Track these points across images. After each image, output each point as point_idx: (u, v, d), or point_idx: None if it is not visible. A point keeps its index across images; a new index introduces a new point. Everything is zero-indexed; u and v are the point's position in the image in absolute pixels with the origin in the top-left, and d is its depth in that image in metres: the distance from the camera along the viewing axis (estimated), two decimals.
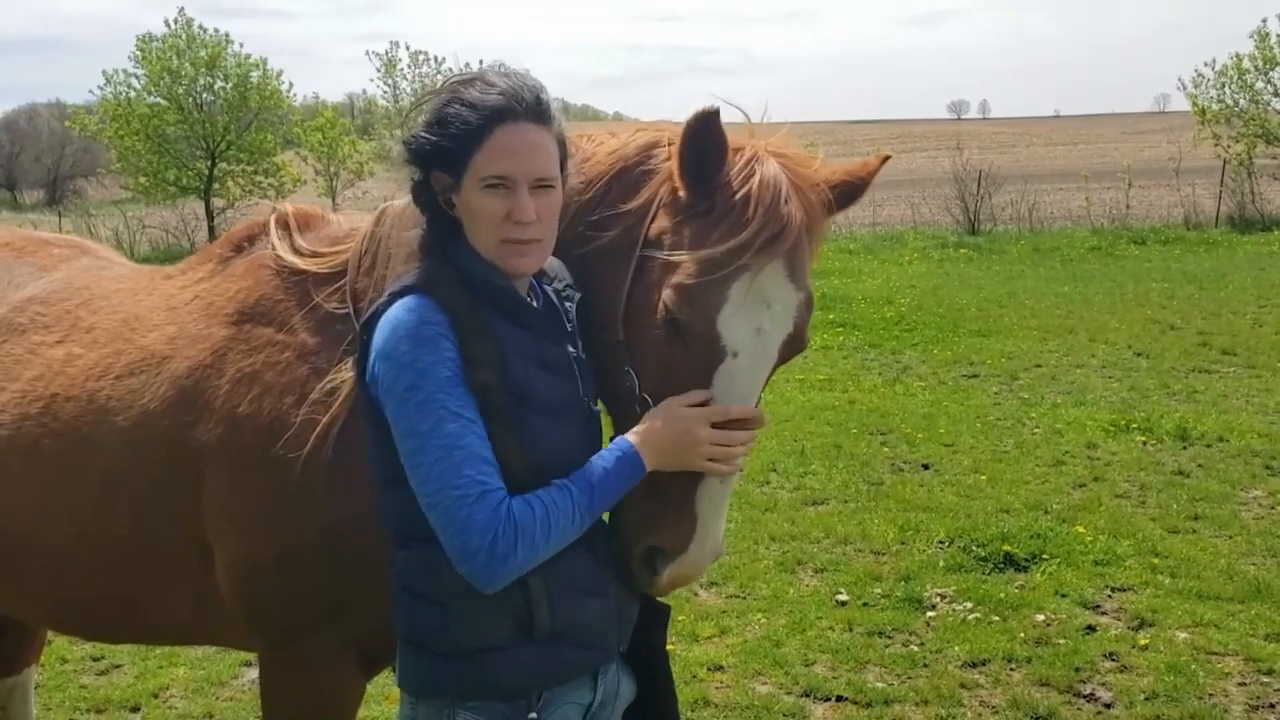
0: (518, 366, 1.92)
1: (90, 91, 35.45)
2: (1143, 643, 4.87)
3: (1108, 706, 4.40)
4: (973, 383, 10.22)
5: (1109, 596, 5.41)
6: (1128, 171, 26.01)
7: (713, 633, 5.11)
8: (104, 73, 29.86)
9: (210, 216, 28.83)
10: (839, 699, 4.49)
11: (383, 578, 2.07)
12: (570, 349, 2.06)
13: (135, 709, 4.64)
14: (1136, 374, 10.26)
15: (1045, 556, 5.80)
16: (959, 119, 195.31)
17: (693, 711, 4.40)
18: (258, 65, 29.92)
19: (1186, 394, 9.43)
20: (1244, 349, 11.06)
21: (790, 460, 7.72)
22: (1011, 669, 4.72)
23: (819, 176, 2.07)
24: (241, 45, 30.95)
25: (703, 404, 1.97)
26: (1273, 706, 4.37)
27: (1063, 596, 5.38)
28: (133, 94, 29.58)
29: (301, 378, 2.33)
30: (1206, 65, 26.64)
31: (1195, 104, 26.64)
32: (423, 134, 1.96)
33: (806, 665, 4.78)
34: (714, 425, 1.96)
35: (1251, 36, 26.09)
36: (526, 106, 1.93)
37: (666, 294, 1.96)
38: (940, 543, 6.12)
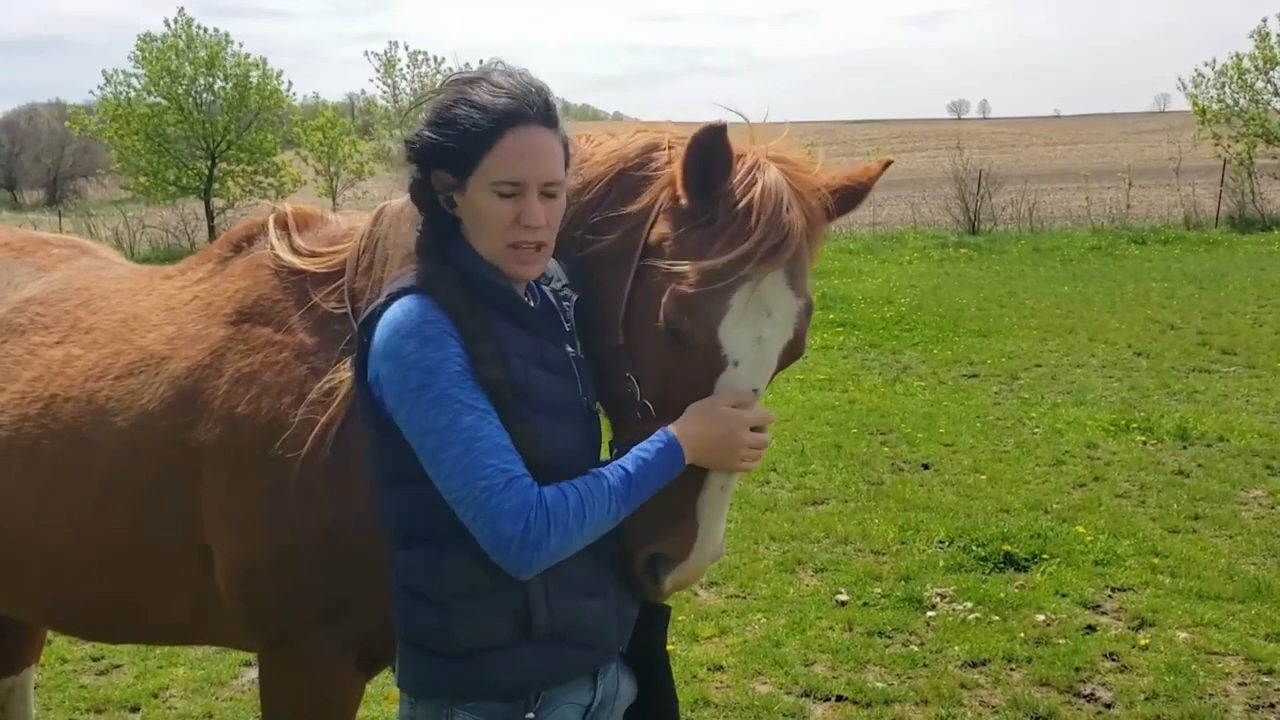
0: (518, 366, 1.92)
1: (90, 91, 35.56)
2: (1143, 643, 4.87)
3: (1108, 706, 4.40)
4: (973, 382, 10.22)
5: (1109, 596, 5.41)
6: (1128, 171, 26.01)
7: (713, 633, 5.11)
8: (104, 73, 29.92)
9: (210, 216, 28.84)
10: (839, 699, 4.49)
11: (381, 578, 2.07)
12: (569, 349, 2.05)
13: (135, 709, 4.64)
14: (1136, 374, 10.26)
15: (1045, 556, 5.80)
16: (959, 119, 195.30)
17: (693, 711, 4.40)
18: (257, 65, 29.95)
19: (1186, 394, 9.43)
20: (1244, 349, 11.06)
21: (790, 460, 7.71)
22: (1011, 669, 4.71)
23: (820, 182, 2.07)
24: (241, 45, 31.01)
25: (736, 406, 1.98)
26: (1273, 706, 4.37)
27: (1063, 596, 5.37)
28: (133, 94, 29.59)
29: (300, 378, 2.33)
30: (1206, 65, 26.71)
31: (1195, 104, 26.64)
32: (427, 133, 1.94)
33: (806, 665, 4.78)
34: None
35: (1251, 36, 26.13)
36: (537, 110, 1.92)
37: (667, 304, 1.95)
38: (940, 542, 6.12)
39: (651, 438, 1.94)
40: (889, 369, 10.96)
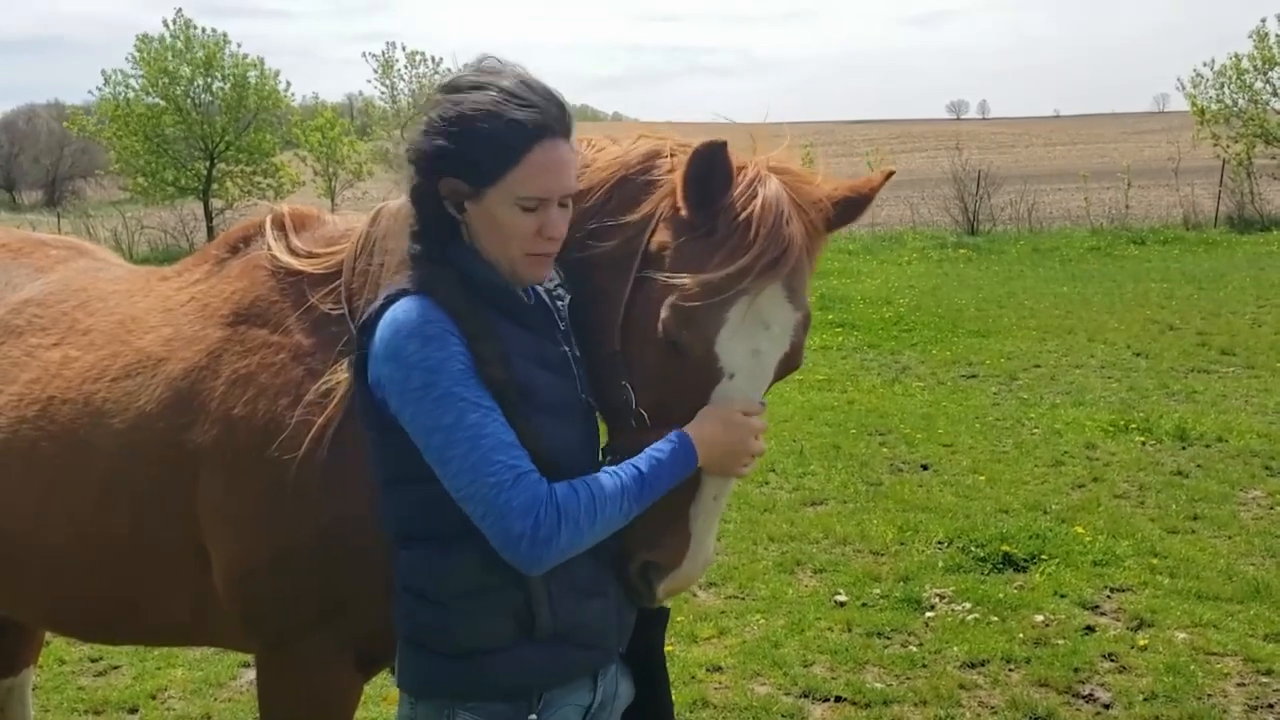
0: (520, 366, 1.92)
1: (89, 92, 35.54)
2: (1142, 643, 4.87)
3: (1107, 707, 4.40)
4: (972, 383, 10.22)
5: (1108, 597, 5.41)
6: (1127, 171, 26.00)
7: (711, 633, 5.11)
8: (103, 73, 29.91)
9: (209, 217, 28.82)
10: (838, 699, 4.49)
11: (379, 579, 2.07)
12: (565, 348, 2.05)
13: (133, 710, 4.64)
14: (1135, 374, 10.26)
15: (1044, 557, 5.80)
16: (958, 119, 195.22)
17: (691, 712, 4.40)
18: (255, 65, 29.92)
19: (1186, 394, 9.43)
20: (1243, 349, 11.06)
21: (789, 461, 7.71)
22: (1010, 669, 4.71)
23: (821, 193, 2.06)
24: (239, 45, 31.00)
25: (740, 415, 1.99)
26: (1272, 707, 4.37)
27: (1062, 597, 5.37)
28: (131, 94, 29.58)
29: (296, 379, 2.32)
30: (1206, 65, 26.71)
31: (1194, 104, 26.65)
32: (441, 141, 1.91)
33: (805, 666, 4.78)
34: None
35: (1251, 36, 26.14)
36: (559, 123, 1.92)
37: (665, 315, 1.95)
38: (939, 543, 6.12)
39: (665, 438, 1.94)
40: (888, 369, 10.96)
